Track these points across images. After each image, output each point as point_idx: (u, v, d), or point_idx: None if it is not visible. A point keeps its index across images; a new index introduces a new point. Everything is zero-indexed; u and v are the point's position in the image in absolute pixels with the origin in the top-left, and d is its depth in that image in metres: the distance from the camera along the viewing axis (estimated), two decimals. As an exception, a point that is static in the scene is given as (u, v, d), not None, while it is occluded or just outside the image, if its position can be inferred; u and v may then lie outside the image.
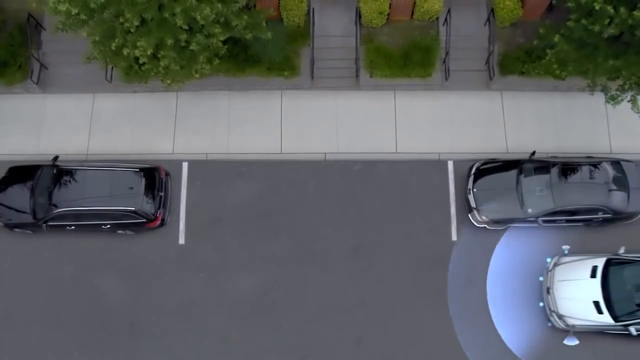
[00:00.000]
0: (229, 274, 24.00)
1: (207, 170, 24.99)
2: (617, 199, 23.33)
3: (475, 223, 24.14)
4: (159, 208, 23.66)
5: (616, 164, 23.80)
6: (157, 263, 24.10)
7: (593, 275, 22.77)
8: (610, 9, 19.25)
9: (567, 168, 23.54)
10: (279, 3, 24.81)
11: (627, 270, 22.70)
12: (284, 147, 25.22)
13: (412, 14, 25.51)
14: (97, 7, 19.02)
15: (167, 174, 24.52)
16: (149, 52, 19.47)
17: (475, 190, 23.90)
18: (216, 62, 21.82)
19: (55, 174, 23.52)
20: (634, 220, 23.99)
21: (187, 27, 19.61)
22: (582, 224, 23.99)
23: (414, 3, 24.83)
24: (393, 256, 24.10)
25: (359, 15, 24.96)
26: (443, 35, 25.40)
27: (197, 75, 21.76)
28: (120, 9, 19.14)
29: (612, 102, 22.03)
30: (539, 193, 23.30)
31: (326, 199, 24.68)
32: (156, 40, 19.51)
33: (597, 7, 19.38)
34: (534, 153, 24.29)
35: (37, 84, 25.31)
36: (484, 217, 23.70)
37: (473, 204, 23.84)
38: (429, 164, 24.99)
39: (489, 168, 24.21)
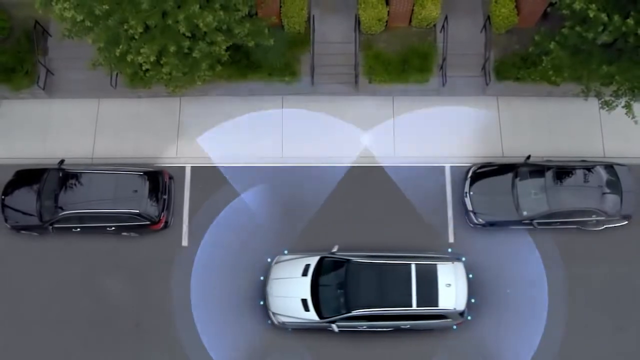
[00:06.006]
0: (230, 274, 24.38)
1: (209, 173, 25.30)
2: (610, 202, 23.66)
3: (471, 225, 24.51)
4: (162, 211, 23.95)
5: (609, 167, 24.11)
6: (161, 264, 24.44)
7: (305, 273, 23.05)
8: (604, 16, 19.41)
9: (562, 172, 23.85)
10: (280, 10, 25.11)
11: (335, 269, 22.95)
12: (285, 151, 25.50)
13: (410, 20, 25.78)
14: (102, 14, 19.26)
15: (170, 178, 24.82)
16: (151, 59, 19.68)
17: (471, 193, 24.25)
18: (218, 68, 22.08)
19: (61, 177, 23.80)
20: (626, 222, 24.33)
21: (189, 35, 19.84)
22: (576, 226, 24.33)
23: (412, 10, 25.10)
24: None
25: (358, 22, 25.21)
26: (440, 41, 25.65)
27: (200, 82, 22.06)
28: (124, 16, 19.39)
29: (606, 108, 22.21)
30: (534, 196, 23.60)
31: (326, 202, 24.99)
32: (159, 46, 19.74)
33: (591, 15, 19.55)
34: (529, 157, 24.57)
35: (43, 89, 25.60)
36: (480, 220, 24.09)
37: (470, 207, 24.21)
38: (427, 167, 25.32)
39: (485, 172, 24.54)
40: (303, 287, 22.91)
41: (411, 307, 22.32)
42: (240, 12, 20.78)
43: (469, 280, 23.19)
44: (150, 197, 23.73)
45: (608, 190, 23.73)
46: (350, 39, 25.56)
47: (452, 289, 22.51)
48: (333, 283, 22.83)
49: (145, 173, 24.09)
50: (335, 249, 23.69)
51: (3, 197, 24.22)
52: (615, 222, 24.18)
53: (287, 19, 25.14)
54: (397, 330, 23.23)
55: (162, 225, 24.17)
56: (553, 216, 23.68)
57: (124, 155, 25.35)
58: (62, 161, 24.55)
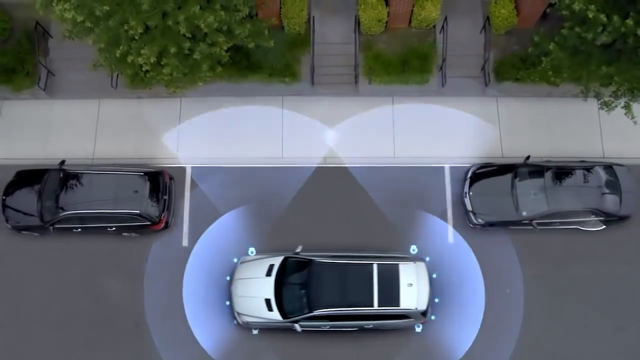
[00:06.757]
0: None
1: (209, 174, 25.39)
2: (610, 202, 23.72)
3: (471, 225, 24.55)
4: (163, 211, 23.99)
5: (608, 168, 24.19)
6: (161, 264, 24.49)
7: (269, 273, 23.13)
8: (603, 17, 19.49)
9: (561, 172, 23.91)
10: (280, 11, 25.20)
11: (298, 270, 23.01)
12: (285, 152, 25.57)
13: (410, 21, 25.86)
14: (103, 14, 19.32)
15: (171, 178, 24.87)
16: (152, 60, 19.73)
17: (471, 193, 24.31)
18: (219, 69, 22.11)
19: (62, 177, 23.86)
20: (625, 223, 24.37)
21: (190, 36, 19.89)
22: (575, 226, 24.37)
23: (412, 11, 25.18)
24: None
25: (358, 23, 25.29)
26: (440, 42, 25.73)
27: (201, 83, 22.10)
28: (124, 17, 19.42)
29: (606, 108, 22.29)
30: (533, 196, 23.65)
31: (326, 202, 25.03)
32: (159, 47, 19.77)
33: (590, 16, 19.62)
34: (528, 157, 24.62)
35: (44, 90, 25.69)
36: (479, 220, 24.14)
37: (469, 207, 24.26)
38: (426, 168, 25.39)
39: (484, 172, 24.61)
40: (267, 287, 23.01)
41: (373, 307, 22.36)
42: (240, 13, 20.81)
43: (431, 280, 23.32)
44: (150, 198, 23.78)
45: (607, 191, 23.79)
46: (350, 40, 25.64)
47: (414, 289, 22.53)
48: (296, 283, 22.93)
49: (146, 173, 24.15)
50: (299, 249, 23.80)
51: (4, 197, 24.29)
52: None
53: (287, 20, 25.22)
54: (362, 329, 23.30)
55: (162, 225, 24.22)
56: (552, 216, 23.73)
57: (124, 155, 25.42)
58: (62, 162, 24.61)
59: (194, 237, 24.79)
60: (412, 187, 25.20)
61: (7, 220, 24.22)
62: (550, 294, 24.27)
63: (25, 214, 23.93)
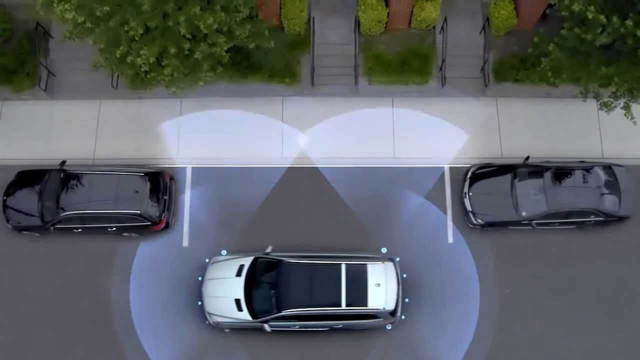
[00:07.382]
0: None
1: (210, 174, 25.41)
2: (609, 203, 23.76)
3: (471, 226, 24.59)
4: (163, 211, 24.03)
5: (608, 168, 24.24)
6: (162, 265, 24.54)
7: (239, 274, 23.18)
8: (602, 18, 19.52)
9: (560, 172, 23.96)
10: (280, 12, 25.24)
11: (268, 270, 23.03)
12: (285, 152, 25.59)
13: (410, 22, 25.89)
14: (103, 15, 19.35)
15: (171, 178, 24.91)
16: (151, 60, 19.76)
17: (470, 194, 24.36)
18: (219, 69, 22.16)
19: (63, 178, 23.90)
20: (624, 223, 24.42)
21: (190, 36, 19.92)
22: (574, 227, 24.43)
23: (412, 12, 25.22)
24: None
25: (358, 23, 25.33)
26: (440, 43, 25.74)
27: (202, 83, 22.14)
28: (125, 17, 19.43)
29: (605, 109, 22.35)
30: (532, 197, 23.70)
31: (326, 203, 25.08)
32: (159, 48, 19.79)
33: (590, 16, 19.65)
34: (527, 158, 24.66)
35: (45, 90, 25.72)
36: (479, 220, 24.18)
37: (469, 208, 24.31)
38: (426, 168, 25.44)
39: (484, 172, 24.66)
40: (236, 288, 23.04)
41: (341, 307, 22.35)
42: (241, 14, 20.84)
43: (401, 280, 23.28)
44: (151, 198, 23.82)
45: (606, 191, 23.84)
46: (350, 41, 25.68)
47: (382, 289, 22.50)
48: (266, 283, 22.96)
49: (146, 174, 24.19)
50: (269, 249, 23.86)
51: (5, 197, 24.34)
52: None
53: (288, 21, 25.25)
54: (333, 329, 23.31)
55: (162, 225, 24.25)
56: (552, 217, 23.77)
57: (125, 156, 25.44)
58: (63, 162, 24.65)
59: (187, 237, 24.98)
60: (411, 187, 25.22)
61: (7, 221, 24.25)
62: (550, 294, 24.32)
63: (26, 214, 23.96)
